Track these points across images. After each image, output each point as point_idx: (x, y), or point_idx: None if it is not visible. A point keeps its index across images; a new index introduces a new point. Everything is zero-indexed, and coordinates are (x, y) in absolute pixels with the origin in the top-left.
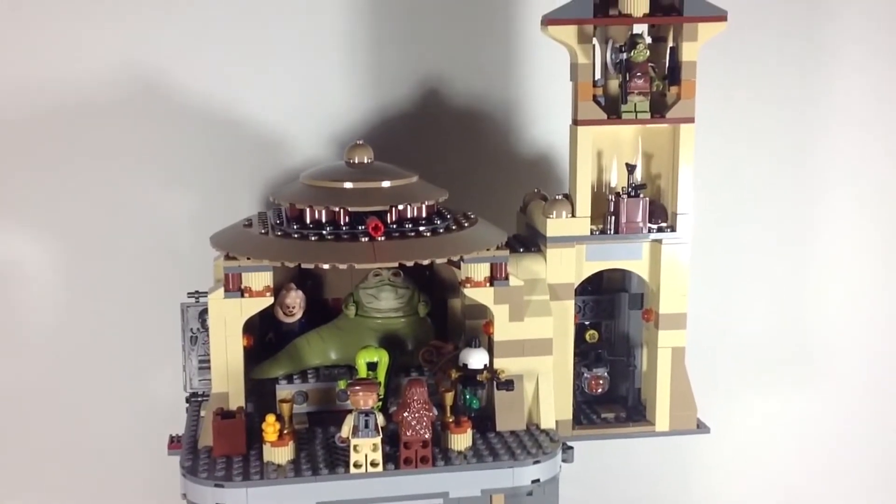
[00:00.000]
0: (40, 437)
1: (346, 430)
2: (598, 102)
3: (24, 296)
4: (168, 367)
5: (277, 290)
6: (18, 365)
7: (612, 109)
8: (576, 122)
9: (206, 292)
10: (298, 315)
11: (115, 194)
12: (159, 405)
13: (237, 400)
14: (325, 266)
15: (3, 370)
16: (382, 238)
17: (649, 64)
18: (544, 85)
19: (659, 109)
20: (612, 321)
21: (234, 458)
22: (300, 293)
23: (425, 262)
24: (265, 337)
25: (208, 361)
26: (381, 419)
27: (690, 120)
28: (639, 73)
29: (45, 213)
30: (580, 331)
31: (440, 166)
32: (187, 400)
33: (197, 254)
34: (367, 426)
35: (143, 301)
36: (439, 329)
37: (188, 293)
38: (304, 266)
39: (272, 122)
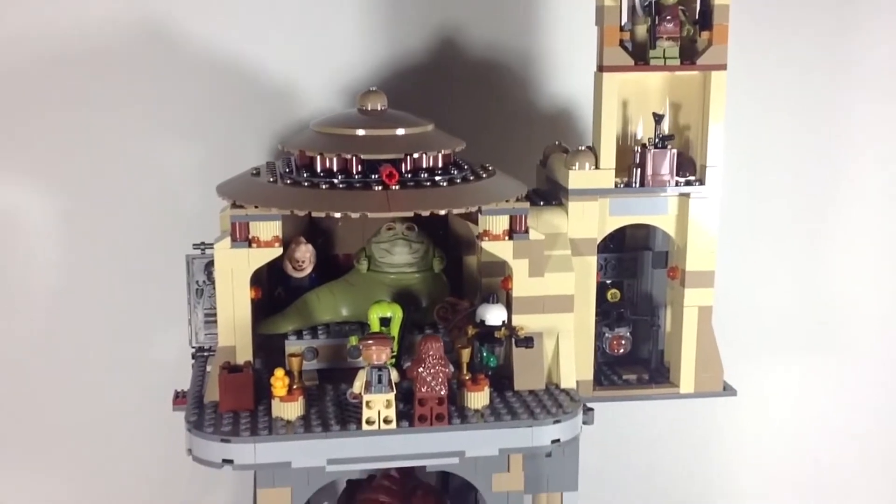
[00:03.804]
0: (42, 394)
1: (357, 385)
2: (624, 48)
3: (24, 248)
4: (173, 322)
5: (287, 244)
6: (20, 320)
7: (640, 56)
8: (601, 69)
9: (213, 244)
10: (308, 270)
11: (120, 144)
12: (164, 361)
13: (244, 354)
14: (337, 215)
15: (3, 327)
16: (397, 187)
17: (679, 7)
18: (565, 34)
19: (689, 56)
20: (634, 280)
21: (242, 414)
22: (310, 247)
23: (442, 213)
24: (274, 292)
25: (214, 315)
26: (394, 374)
27: (723, 67)
28: (668, 17)
29: (47, 163)
30: (601, 290)
31: (456, 118)
32: (193, 356)
33: (203, 206)
34: (380, 381)
35: (147, 253)
36: (454, 288)
37: (193, 244)
38: (314, 216)
39: (282, 72)
